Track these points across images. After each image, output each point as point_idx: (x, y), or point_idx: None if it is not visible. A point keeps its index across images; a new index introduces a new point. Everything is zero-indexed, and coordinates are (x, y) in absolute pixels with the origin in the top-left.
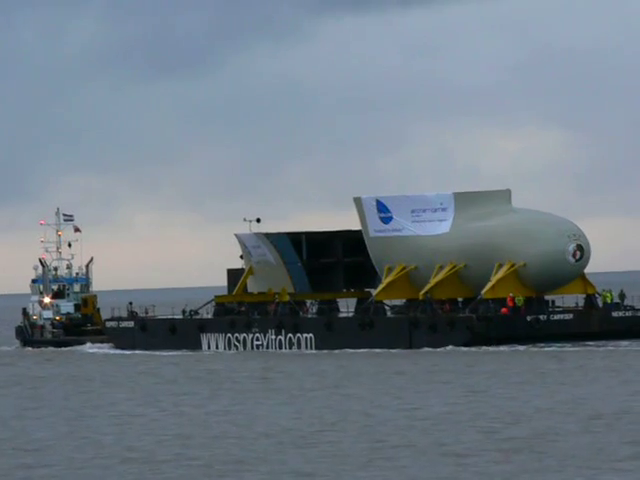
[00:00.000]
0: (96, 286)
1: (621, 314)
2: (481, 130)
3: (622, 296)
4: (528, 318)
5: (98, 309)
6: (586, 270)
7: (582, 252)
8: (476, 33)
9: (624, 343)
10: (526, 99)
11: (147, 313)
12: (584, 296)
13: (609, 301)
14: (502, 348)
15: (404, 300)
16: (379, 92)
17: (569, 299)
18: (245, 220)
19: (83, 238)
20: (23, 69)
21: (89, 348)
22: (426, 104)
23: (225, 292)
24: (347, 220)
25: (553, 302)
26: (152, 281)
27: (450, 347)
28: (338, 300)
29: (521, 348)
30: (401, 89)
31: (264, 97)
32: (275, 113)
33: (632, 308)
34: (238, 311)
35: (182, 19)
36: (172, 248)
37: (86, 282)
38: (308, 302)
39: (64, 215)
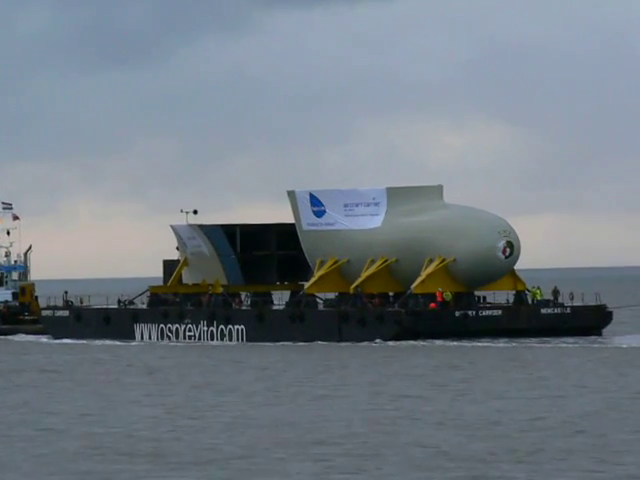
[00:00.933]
0: (36, 275)
1: (550, 311)
2: (427, 125)
3: (555, 293)
4: (457, 313)
5: (36, 297)
6: (526, 266)
7: (512, 249)
8: (425, 28)
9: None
10: (473, 94)
11: (82, 303)
12: (514, 292)
13: (538, 298)
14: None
15: (336, 294)
16: (326, 85)
17: (501, 295)
18: (182, 211)
19: (22, 226)
20: None
21: (22, 337)
22: (372, 98)
23: (161, 283)
24: (288, 213)
25: (484, 298)
26: (92, 271)
27: (378, 341)
28: (273, 293)
29: (447, 344)
30: (348, 83)
31: (210, 88)
32: (221, 105)
33: (561, 305)
34: (172, 302)
35: (132, 9)
36: (113, 238)
37: (24, 270)
38: (243, 294)
39: (3, 203)
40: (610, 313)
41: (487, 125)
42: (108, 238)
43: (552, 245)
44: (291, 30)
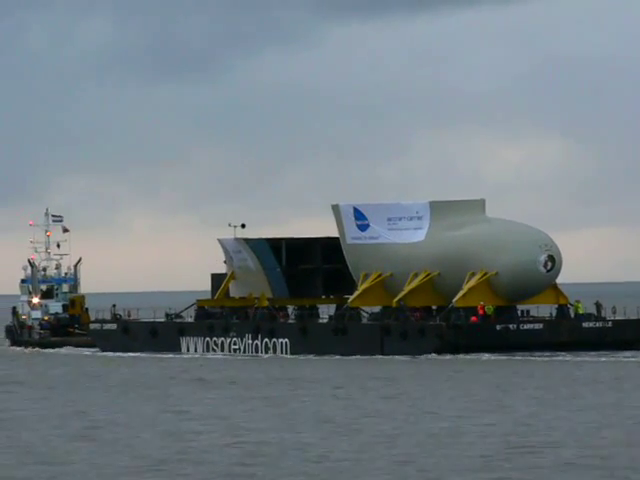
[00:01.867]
0: (88, 288)
1: (592, 325)
2: (484, 138)
3: (598, 307)
4: (498, 327)
5: (86, 309)
6: (571, 280)
7: (553, 263)
8: (481, 41)
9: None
10: (529, 107)
11: (129, 316)
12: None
13: (580, 311)
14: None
15: (380, 307)
16: (383, 99)
17: (545, 309)
18: (230, 225)
19: (73, 239)
20: (30, 71)
21: (66, 349)
22: (429, 111)
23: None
24: None
25: (528, 312)
26: (144, 284)
27: (423, 356)
28: (319, 306)
29: (486, 357)
30: (405, 96)
31: (268, 101)
32: (278, 118)
33: (603, 319)
34: (219, 315)
35: (190, 22)
36: (166, 251)
37: (74, 282)
38: (290, 308)
39: (53, 216)
40: None
41: (543, 138)
42: (161, 251)
43: (604, 259)
44: (349, 43)
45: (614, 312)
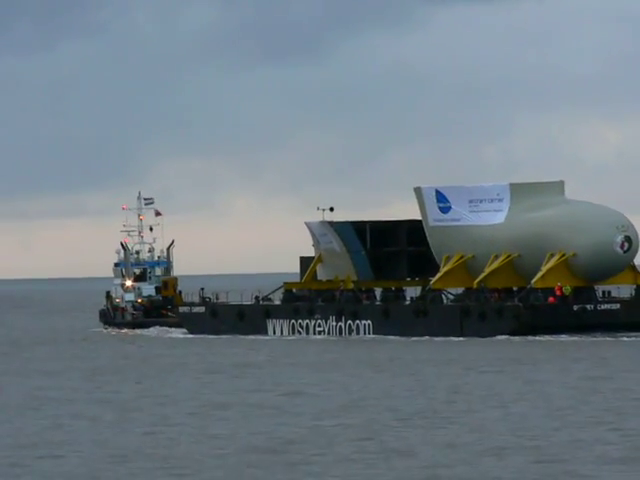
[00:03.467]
0: (183, 270)
1: None
2: (585, 119)
3: None
4: (575, 307)
5: (180, 292)
6: None
7: (630, 243)
8: (586, 22)
9: None
10: (631, 89)
11: (218, 299)
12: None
13: None
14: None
15: (463, 289)
16: (487, 81)
17: (626, 290)
18: (318, 209)
19: (167, 222)
20: (135, 54)
21: (155, 332)
22: (532, 93)
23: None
24: None
25: (609, 293)
26: (239, 266)
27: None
28: (406, 289)
29: (563, 338)
30: (509, 77)
31: (372, 84)
32: (382, 100)
33: None
34: (307, 298)
35: (296, 5)
36: (265, 234)
37: (167, 265)
38: (377, 290)
39: (145, 199)
40: None
41: None
42: (260, 233)
43: None
44: (454, 25)
45: None
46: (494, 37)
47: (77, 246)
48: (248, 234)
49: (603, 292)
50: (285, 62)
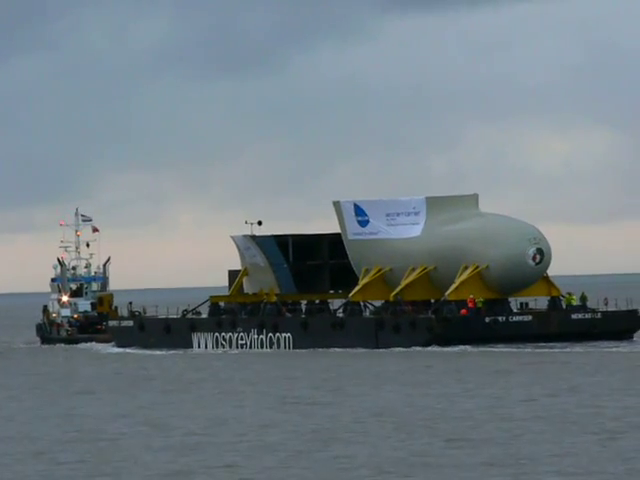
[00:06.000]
0: (122, 285)
1: (580, 316)
2: (533, 130)
3: (584, 299)
4: (487, 319)
5: (115, 308)
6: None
7: (542, 255)
8: (537, 32)
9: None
10: (578, 99)
11: (145, 313)
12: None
13: (573, 303)
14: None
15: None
16: (437, 92)
17: (543, 301)
18: (246, 222)
19: (103, 238)
20: (87, 68)
21: (91, 346)
22: (481, 104)
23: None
24: None
25: (526, 304)
26: (177, 280)
27: (413, 348)
28: (331, 301)
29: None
30: (459, 89)
31: (323, 97)
32: (332, 113)
33: (592, 311)
34: (230, 311)
35: (247, 18)
36: (209, 247)
37: (103, 281)
38: (303, 303)
39: (82, 216)
40: None
41: (590, 130)
42: (204, 247)
43: None
44: (405, 36)
45: (606, 303)
46: (445, 48)
47: (24, 260)
48: (191, 248)
49: (521, 304)
50: (236, 75)
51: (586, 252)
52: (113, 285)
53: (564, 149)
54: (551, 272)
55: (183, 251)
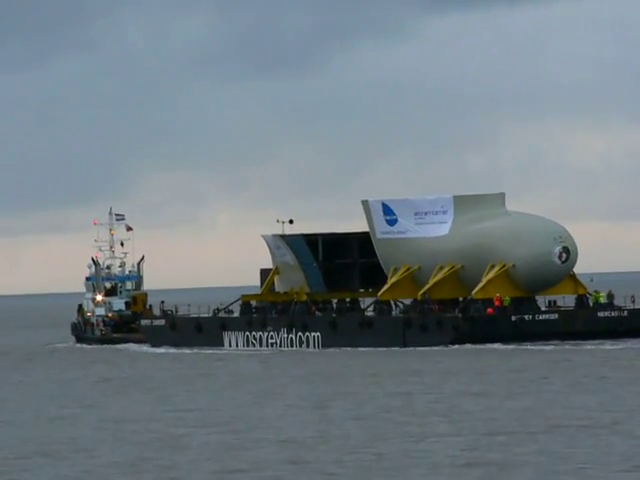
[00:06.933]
0: (158, 285)
1: (607, 314)
2: (570, 128)
3: (610, 296)
4: (513, 318)
5: (150, 306)
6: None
7: (568, 254)
8: (577, 29)
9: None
10: (616, 97)
11: (177, 311)
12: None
13: (601, 301)
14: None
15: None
16: (475, 91)
17: (571, 300)
18: (278, 221)
19: (136, 237)
20: (126, 68)
21: (128, 346)
22: (519, 102)
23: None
24: None
25: (555, 302)
26: (211, 280)
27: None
28: (362, 300)
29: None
30: (497, 87)
31: (362, 96)
32: (371, 112)
33: (619, 308)
34: (261, 310)
35: (286, 18)
36: (246, 247)
37: (137, 280)
38: (334, 302)
39: (116, 215)
40: None
41: (629, 126)
42: (241, 247)
43: None
44: (446, 35)
45: (633, 301)
46: (485, 47)
47: (60, 261)
48: (226, 247)
49: (549, 302)
50: (275, 75)
51: (624, 249)
52: (148, 284)
53: (602, 147)
54: (587, 269)
55: (218, 250)
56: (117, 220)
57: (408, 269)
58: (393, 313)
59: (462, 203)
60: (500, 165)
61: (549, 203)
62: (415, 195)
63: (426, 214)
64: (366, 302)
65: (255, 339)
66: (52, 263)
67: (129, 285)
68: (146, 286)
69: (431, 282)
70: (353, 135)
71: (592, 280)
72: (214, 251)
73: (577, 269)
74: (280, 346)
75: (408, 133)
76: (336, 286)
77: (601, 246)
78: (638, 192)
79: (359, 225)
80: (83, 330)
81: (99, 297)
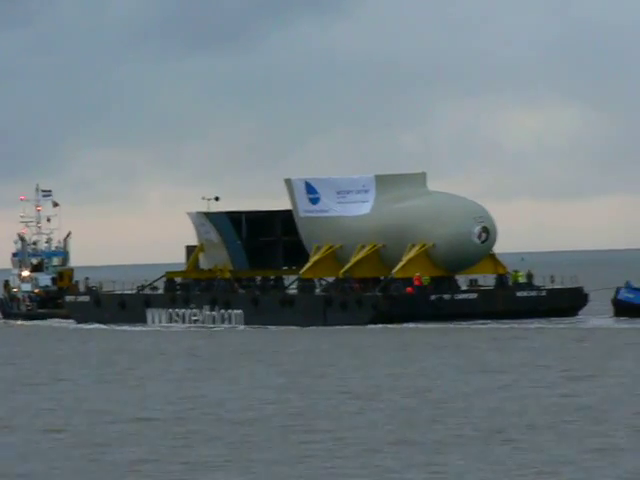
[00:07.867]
0: (86, 261)
1: (526, 294)
2: (504, 107)
3: (530, 276)
4: (432, 297)
5: (76, 282)
6: (590, 247)
7: (487, 234)
8: (512, 8)
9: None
10: (551, 76)
11: (101, 288)
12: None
13: (520, 281)
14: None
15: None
16: (410, 68)
17: (492, 280)
18: (203, 199)
19: (64, 214)
20: (60, 43)
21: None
22: (453, 81)
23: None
24: None
25: (476, 281)
26: (139, 257)
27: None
28: (286, 277)
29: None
30: (432, 64)
31: (300, 73)
32: (306, 88)
33: (538, 288)
34: (185, 287)
35: None
36: (175, 224)
37: (64, 256)
38: (258, 279)
39: (42, 191)
40: (586, 295)
41: (563, 106)
42: (170, 224)
43: (620, 226)
44: (384, 12)
45: (552, 281)
46: (420, 24)
47: None
48: (156, 225)
49: (470, 281)
50: (211, 52)
51: (555, 229)
52: (76, 261)
53: (535, 126)
54: (519, 249)
55: (147, 227)
56: (44, 196)
57: (330, 247)
58: (315, 292)
59: (383, 182)
60: (433, 144)
61: (481, 182)
62: (343, 174)
63: (348, 193)
64: (290, 280)
65: (178, 316)
66: None
67: (55, 261)
68: (73, 262)
69: (352, 261)
70: (288, 113)
71: (523, 259)
72: (143, 228)
73: (509, 248)
74: (203, 323)
75: (343, 111)
76: (260, 264)
77: (533, 226)
78: (571, 172)
79: (286, 204)
80: (9, 306)
81: (25, 273)
